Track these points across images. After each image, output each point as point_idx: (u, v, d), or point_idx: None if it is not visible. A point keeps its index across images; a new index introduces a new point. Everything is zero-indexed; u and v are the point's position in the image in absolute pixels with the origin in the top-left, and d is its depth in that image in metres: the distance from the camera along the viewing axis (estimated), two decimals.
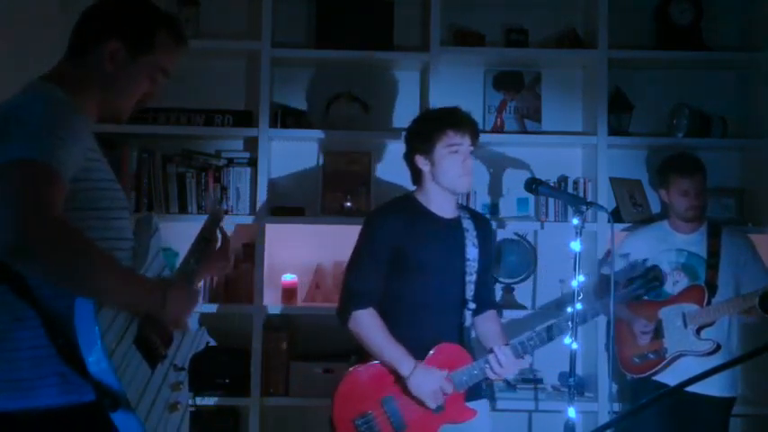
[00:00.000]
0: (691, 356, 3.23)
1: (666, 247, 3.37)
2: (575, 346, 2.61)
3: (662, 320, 3.28)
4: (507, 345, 2.65)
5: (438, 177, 2.73)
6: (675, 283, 3.33)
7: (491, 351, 2.65)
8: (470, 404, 2.68)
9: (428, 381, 2.57)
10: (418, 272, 2.68)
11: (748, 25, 3.90)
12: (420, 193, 2.80)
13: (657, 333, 3.29)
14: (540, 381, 3.69)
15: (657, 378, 3.27)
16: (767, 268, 3.38)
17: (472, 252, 2.75)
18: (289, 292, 3.66)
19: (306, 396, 3.55)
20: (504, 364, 2.62)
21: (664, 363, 3.25)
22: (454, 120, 2.74)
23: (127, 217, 1.85)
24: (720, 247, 3.32)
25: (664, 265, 3.34)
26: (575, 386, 2.62)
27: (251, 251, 3.63)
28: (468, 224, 2.79)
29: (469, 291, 2.74)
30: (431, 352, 2.63)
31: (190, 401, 1.91)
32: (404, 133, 2.87)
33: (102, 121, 1.93)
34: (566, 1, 3.93)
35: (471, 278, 2.75)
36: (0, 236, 1.50)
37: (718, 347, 3.21)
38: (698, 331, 3.23)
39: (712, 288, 3.27)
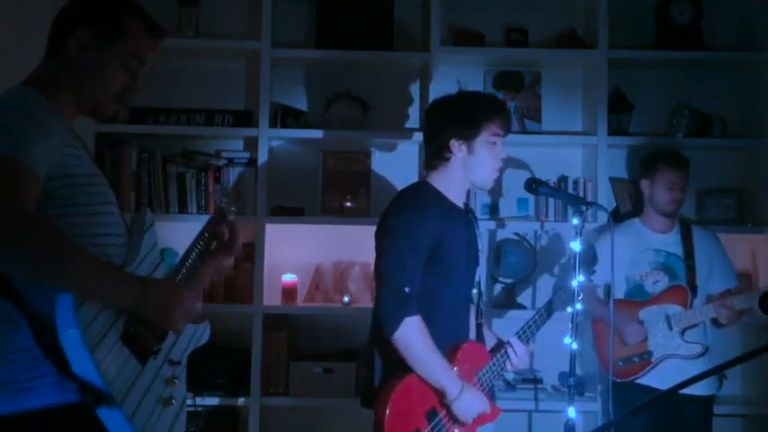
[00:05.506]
0: (675, 358, 3.22)
1: (644, 246, 3.35)
2: (575, 346, 2.61)
3: (644, 322, 3.26)
4: (514, 336, 2.62)
5: (471, 167, 2.53)
6: (656, 282, 3.31)
7: (503, 344, 2.61)
8: None
9: (473, 405, 2.45)
10: (453, 269, 2.49)
11: (748, 25, 3.90)
12: (438, 180, 2.56)
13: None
14: (540, 381, 3.70)
15: (640, 381, 3.23)
16: (733, 266, 3.39)
17: (480, 242, 2.66)
18: (289, 292, 3.66)
19: (306, 396, 3.55)
20: (519, 354, 2.58)
21: (649, 366, 3.23)
22: (502, 108, 2.57)
23: (113, 212, 1.83)
24: (694, 247, 3.32)
25: (644, 264, 3.33)
26: (575, 386, 2.61)
27: (251, 251, 3.63)
28: (470, 214, 2.68)
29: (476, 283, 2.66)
30: (460, 353, 2.50)
31: (189, 401, 1.91)
32: (436, 111, 2.61)
33: (89, 117, 1.92)
34: (566, 1, 3.93)
35: (479, 269, 2.65)
36: None
37: (706, 350, 3.20)
38: (682, 333, 3.23)
39: (693, 289, 3.26)
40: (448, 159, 2.54)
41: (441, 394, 2.45)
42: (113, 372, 1.62)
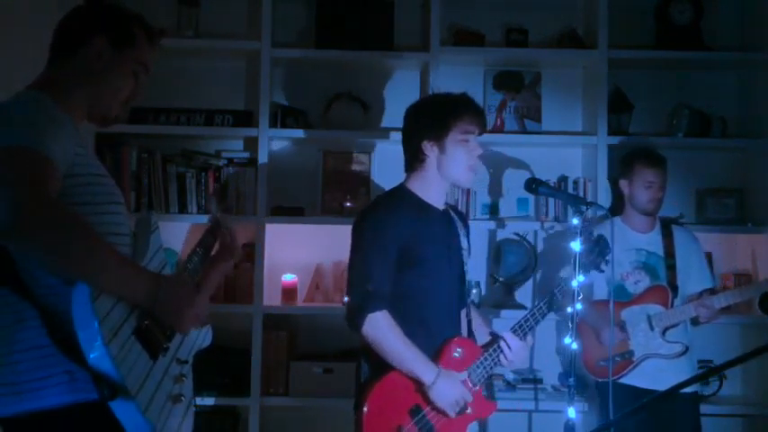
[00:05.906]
0: (656, 358, 3.22)
1: (626, 246, 3.33)
2: (575, 346, 2.61)
3: (626, 322, 3.25)
4: (510, 330, 2.62)
5: (445, 167, 2.57)
6: (637, 282, 3.31)
7: (496, 338, 2.62)
8: None
9: (450, 390, 2.46)
10: (426, 269, 2.53)
11: (748, 25, 3.90)
12: (415, 183, 2.63)
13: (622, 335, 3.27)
14: (540, 381, 3.70)
15: (624, 381, 3.21)
16: (709, 266, 3.42)
17: (464, 242, 2.69)
18: (289, 292, 3.67)
19: (306, 396, 3.55)
20: (513, 348, 2.59)
21: (631, 366, 3.22)
22: (471, 106, 2.61)
23: (121, 211, 1.86)
24: (674, 246, 3.32)
25: (625, 264, 3.33)
26: (575, 386, 2.61)
27: (251, 251, 3.63)
28: (452, 214, 2.71)
29: (467, 282, 2.69)
30: (449, 349, 2.52)
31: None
32: (409, 115, 2.68)
33: (91, 122, 1.94)
34: (566, 1, 3.94)
35: (467, 268, 2.68)
36: None
37: (686, 349, 3.21)
38: (663, 333, 3.22)
39: (673, 289, 3.26)
40: (423, 161, 2.59)
41: (423, 389, 2.47)
42: (127, 366, 1.64)
